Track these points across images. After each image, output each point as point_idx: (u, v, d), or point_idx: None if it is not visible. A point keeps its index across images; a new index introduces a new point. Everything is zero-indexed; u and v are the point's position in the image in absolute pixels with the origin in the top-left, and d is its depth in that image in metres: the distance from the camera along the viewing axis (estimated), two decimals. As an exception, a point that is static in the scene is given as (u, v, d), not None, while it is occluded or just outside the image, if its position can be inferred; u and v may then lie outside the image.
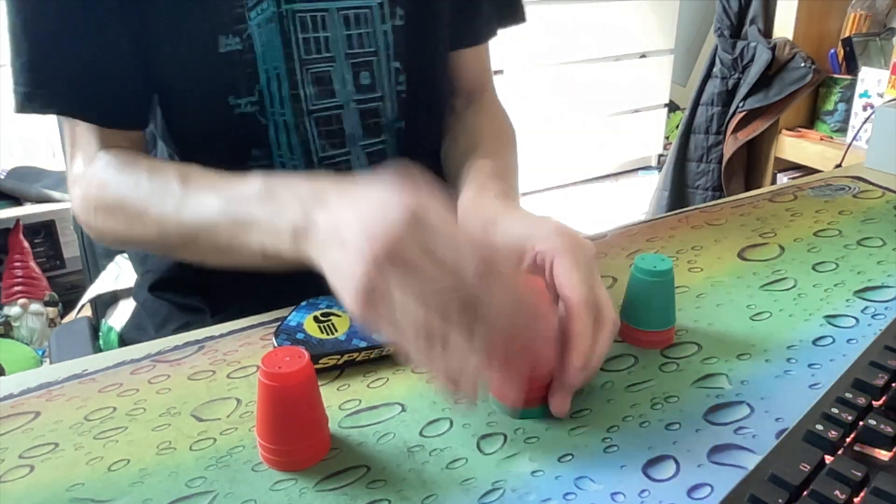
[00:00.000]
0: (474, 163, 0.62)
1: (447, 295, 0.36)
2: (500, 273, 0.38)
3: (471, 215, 0.53)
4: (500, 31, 0.76)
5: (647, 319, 0.49)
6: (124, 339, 0.79)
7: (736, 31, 1.84)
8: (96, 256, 0.94)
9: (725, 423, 0.42)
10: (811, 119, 1.86)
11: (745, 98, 1.80)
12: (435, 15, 0.67)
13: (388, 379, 0.47)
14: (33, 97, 0.56)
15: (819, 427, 0.38)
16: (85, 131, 0.59)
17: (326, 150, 0.65)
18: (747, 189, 1.90)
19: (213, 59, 0.58)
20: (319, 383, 0.47)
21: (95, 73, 0.56)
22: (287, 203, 0.45)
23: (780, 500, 0.33)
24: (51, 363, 0.64)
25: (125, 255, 0.89)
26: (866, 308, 0.54)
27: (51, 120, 0.91)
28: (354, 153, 0.66)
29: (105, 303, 0.88)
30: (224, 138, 0.63)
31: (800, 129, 1.84)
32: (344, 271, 0.38)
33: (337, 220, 0.41)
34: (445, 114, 0.73)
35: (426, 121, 0.70)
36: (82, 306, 0.90)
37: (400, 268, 0.36)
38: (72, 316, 0.91)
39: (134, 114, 0.60)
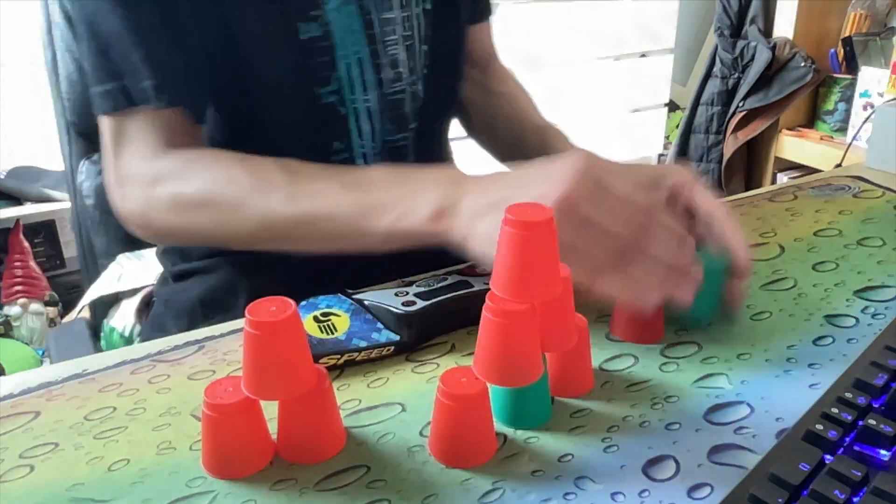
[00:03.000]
0: (545, 125, 0.74)
1: (625, 231, 0.43)
2: (664, 196, 0.46)
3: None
4: (503, 28, 0.81)
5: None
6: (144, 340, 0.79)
7: (736, 30, 1.84)
8: (96, 257, 0.93)
9: (725, 423, 0.42)
10: (811, 119, 1.86)
11: (745, 98, 1.80)
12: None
13: (388, 379, 0.47)
14: (161, 89, 0.55)
15: (819, 427, 0.38)
16: (141, 128, 0.56)
17: (393, 135, 0.66)
18: (747, 189, 1.90)
19: (294, 47, 0.57)
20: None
21: (194, 66, 0.57)
22: (422, 187, 0.49)
23: (779, 500, 0.33)
24: (50, 364, 0.64)
25: (128, 254, 0.88)
26: (866, 308, 0.54)
27: (50, 120, 0.91)
28: (409, 137, 0.68)
29: (106, 304, 0.87)
30: (307, 133, 0.62)
31: (800, 128, 1.84)
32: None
33: (489, 194, 0.46)
34: (461, 87, 0.76)
35: (444, 101, 0.72)
36: (82, 307, 0.90)
37: (577, 218, 0.42)
38: (71, 316, 0.91)
39: (202, 104, 0.59)
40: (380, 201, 0.50)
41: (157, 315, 0.75)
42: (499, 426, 0.42)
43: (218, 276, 0.68)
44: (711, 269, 0.48)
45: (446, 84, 0.71)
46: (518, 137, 0.76)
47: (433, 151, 0.73)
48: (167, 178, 0.56)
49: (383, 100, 0.64)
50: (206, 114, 0.59)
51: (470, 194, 0.47)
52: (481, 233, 0.45)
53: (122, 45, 0.54)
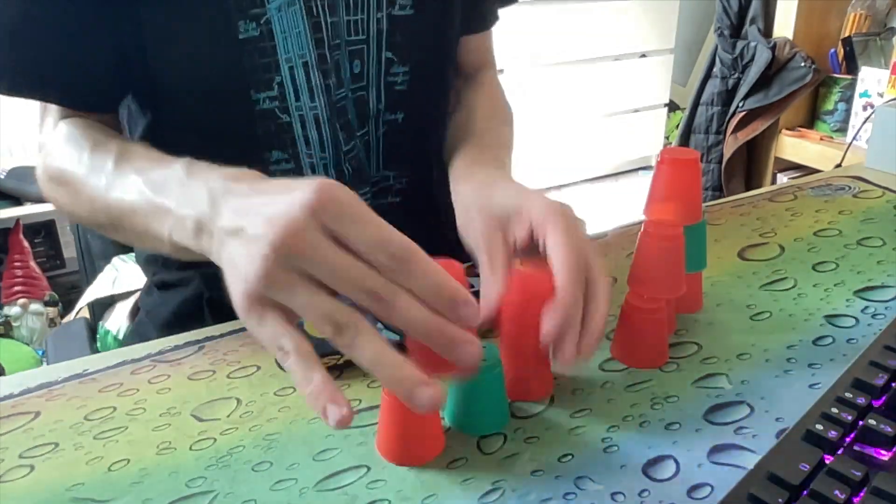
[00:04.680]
0: (469, 135, 0.62)
1: (358, 283, 0.33)
2: (420, 259, 0.34)
3: (463, 180, 0.53)
4: (504, 29, 0.76)
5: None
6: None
7: (736, 30, 1.84)
8: (93, 258, 0.93)
9: (725, 423, 0.42)
10: (811, 119, 1.86)
11: (745, 98, 1.80)
12: (447, 4, 0.64)
13: (388, 379, 0.47)
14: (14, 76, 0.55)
15: (819, 427, 0.38)
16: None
17: (346, 144, 0.62)
18: (747, 189, 1.90)
19: (232, 46, 0.55)
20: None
21: (62, 57, 0.55)
22: (196, 193, 0.41)
23: (779, 500, 0.33)
24: (49, 365, 0.64)
25: (122, 257, 0.88)
26: (866, 308, 0.54)
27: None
28: (356, 144, 0.64)
29: (102, 305, 0.87)
30: (241, 139, 0.59)
31: (800, 128, 1.84)
32: (239, 262, 0.35)
33: (240, 212, 0.37)
34: (444, 96, 0.71)
35: (433, 114, 0.68)
36: (80, 309, 0.90)
37: (303, 254, 0.33)
38: (70, 318, 0.91)
39: (101, 100, 0.58)
40: (163, 204, 0.44)
41: (140, 324, 0.75)
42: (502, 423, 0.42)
43: (190, 289, 0.67)
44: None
45: (424, 94, 0.66)
46: (451, 147, 0.65)
47: (402, 159, 0.67)
48: (47, 149, 0.56)
49: (332, 107, 0.60)
50: (91, 102, 0.58)
51: (221, 214, 0.39)
52: (225, 262, 0.37)
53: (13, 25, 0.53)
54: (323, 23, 0.57)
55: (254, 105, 0.58)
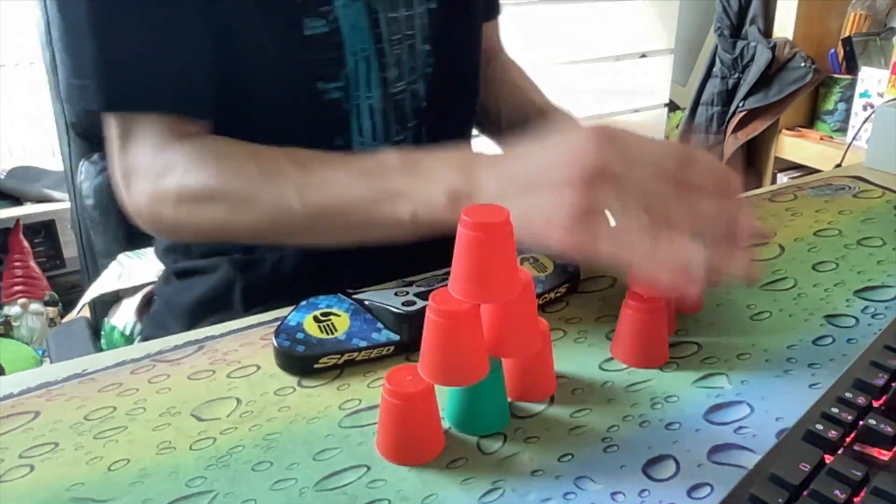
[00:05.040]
0: (550, 107, 0.75)
1: (661, 191, 0.40)
2: (697, 158, 0.42)
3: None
4: (504, 28, 0.81)
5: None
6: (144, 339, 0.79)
7: (736, 30, 1.84)
8: (96, 256, 0.94)
9: (725, 423, 0.42)
10: (811, 119, 1.86)
11: (745, 98, 1.80)
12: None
13: (388, 379, 0.47)
14: (118, 90, 0.54)
15: (819, 427, 0.38)
16: (146, 123, 0.56)
17: (393, 134, 0.65)
18: (747, 189, 1.90)
19: (298, 42, 0.57)
20: (319, 383, 0.47)
21: (172, 63, 0.55)
22: (436, 170, 0.47)
23: (779, 500, 0.33)
24: (50, 364, 0.64)
25: (128, 253, 0.88)
26: (866, 308, 0.54)
27: (50, 120, 0.91)
28: (409, 136, 0.67)
29: (107, 302, 0.87)
30: (308, 128, 0.62)
31: (800, 128, 1.85)
32: (547, 208, 0.40)
33: (511, 173, 0.44)
34: (474, 87, 0.75)
35: (451, 101, 0.71)
36: (82, 306, 0.90)
37: (609, 182, 0.39)
38: (72, 315, 0.91)
39: (208, 103, 0.58)
40: (392, 188, 0.48)
41: (157, 312, 0.75)
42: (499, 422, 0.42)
43: (217, 276, 0.68)
44: None
45: (452, 84, 0.70)
46: (523, 123, 0.75)
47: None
48: (174, 170, 0.55)
49: (386, 98, 0.64)
50: (202, 107, 0.58)
51: (488, 176, 0.45)
52: (518, 215, 0.40)
53: (83, 41, 0.53)
54: (382, 18, 0.60)
55: (321, 95, 0.60)
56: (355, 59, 0.60)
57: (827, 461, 0.36)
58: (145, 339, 0.77)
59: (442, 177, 0.46)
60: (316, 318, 0.50)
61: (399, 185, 0.48)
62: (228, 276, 0.67)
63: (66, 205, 1.77)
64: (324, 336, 0.48)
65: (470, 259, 0.37)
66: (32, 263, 1.77)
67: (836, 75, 1.77)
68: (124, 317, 0.82)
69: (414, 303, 0.50)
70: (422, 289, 0.52)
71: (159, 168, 0.55)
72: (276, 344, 0.48)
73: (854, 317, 0.53)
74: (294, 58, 0.58)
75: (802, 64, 1.72)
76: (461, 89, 0.72)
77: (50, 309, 1.76)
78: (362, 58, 0.60)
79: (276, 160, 0.53)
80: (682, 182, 0.41)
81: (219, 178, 0.54)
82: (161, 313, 0.73)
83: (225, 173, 0.54)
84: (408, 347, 0.49)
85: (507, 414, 0.43)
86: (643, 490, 0.37)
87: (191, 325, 0.67)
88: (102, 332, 0.84)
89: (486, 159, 0.47)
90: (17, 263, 1.74)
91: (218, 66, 0.58)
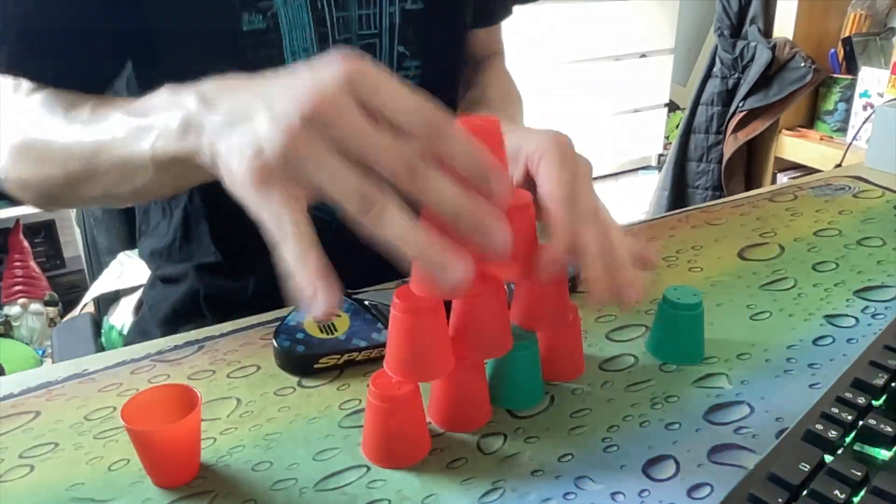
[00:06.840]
0: (482, 107, 0.66)
1: (392, 151, 0.32)
2: (455, 125, 0.33)
3: None
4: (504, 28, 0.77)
5: (674, 352, 0.48)
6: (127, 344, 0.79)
7: (736, 30, 1.84)
8: (99, 254, 0.94)
9: (725, 423, 0.42)
10: (811, 119, 1.86)
11: (745, 98, 1.80)
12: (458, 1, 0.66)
13: (388, 379, 0.47)
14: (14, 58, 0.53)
15: (819, 427, 0.38)
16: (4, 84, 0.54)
17: None
18: (747, 189, 1.90)
19: (236, 38, 0.55)
20: (319, 383, 0.47)
21: (62, 41, 0.53)
22: (186, 98, 0.39)
23: (779, 500, 0.33)
24: (53, 361, 0.63)
25: (128, 252, 0.88)
26: (866, 308, 0.54)
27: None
28: None
29: (107, 301, 0.87)
30: None
31: (800, 128, 1.84)
32: (251, 141, 0.32)
33: (245, 97, 0.35)
34: (455, 90, 0.73)
35: (445, 106, 0.69)
36: (85, 304, 0.90)
37: (335, 122, 0.31)
38: (75, 313, 0.91)
39: (94, 82, 0.55)
40: (145, 121, 0.42)
41: (142, 319, 0.75)
42: (499, 425, 0.42)
43: (186, 284, 0.67)
44: (675, 314, 0.47)
45: (432, 88, 0.68)
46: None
47: None
48: (15, 123, 0.53)
49: None
50: (80, 82, 0.54)
51: (224, 103, 0.37)
52: (224, 150, 0.35)
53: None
54: (328, 17, 0.58)
55: None
56: (295, 57, 0.57)
57: (827, 461, 0.36)
58: (127, 345, 0.77)
59: (185, 103, 0.39)
60: (316, 319, 0.50)
61: (148, 119, 0.42)
62: (195, 285, 0.66)
63: (66, 205, 1.76)
64: (324, 336, 0.48)
65: (404, 340, 0.39)
66: (32, 263, 1.77)
67: (836, 75, 1.77)
68: (122, 316, 0.82)
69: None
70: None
71: (17, 121, 0.53)
72: (276, 344, 0.48)
73: (854, 317, 0.53)
74: (231, 54, 0.56)
75: (802, 64, 1.72)
76: (440, 93, 0.69)
77: (50, 309, 1.76)
78: (303, 57, 0.57)
79: (82, 106, 0.50)
80: (428, 152, 0.33)
81: (32, 131, 0.51)
82: (145, 319, 0.73)
83: (40, 125, 0.51)
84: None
85: (542, 390, 0.45)
86: (643, 490, 0.37)
87: (168, 333, 0.66)
88: (102, 331, 0.84)
89: (227, 88, 0.38)
90: (17, 263, 1.74)
91: (148, 54, 0.56)
